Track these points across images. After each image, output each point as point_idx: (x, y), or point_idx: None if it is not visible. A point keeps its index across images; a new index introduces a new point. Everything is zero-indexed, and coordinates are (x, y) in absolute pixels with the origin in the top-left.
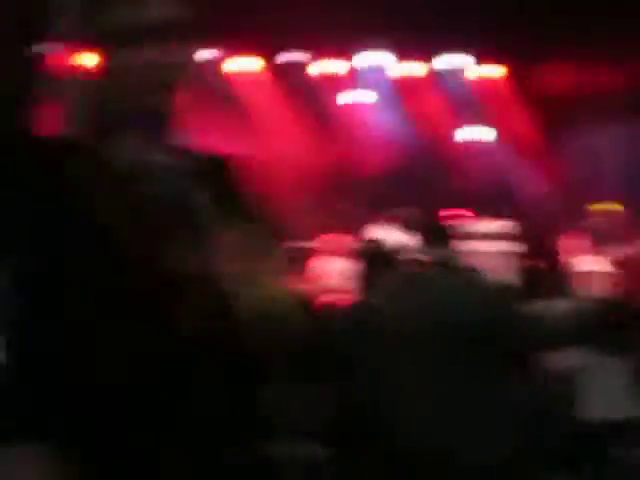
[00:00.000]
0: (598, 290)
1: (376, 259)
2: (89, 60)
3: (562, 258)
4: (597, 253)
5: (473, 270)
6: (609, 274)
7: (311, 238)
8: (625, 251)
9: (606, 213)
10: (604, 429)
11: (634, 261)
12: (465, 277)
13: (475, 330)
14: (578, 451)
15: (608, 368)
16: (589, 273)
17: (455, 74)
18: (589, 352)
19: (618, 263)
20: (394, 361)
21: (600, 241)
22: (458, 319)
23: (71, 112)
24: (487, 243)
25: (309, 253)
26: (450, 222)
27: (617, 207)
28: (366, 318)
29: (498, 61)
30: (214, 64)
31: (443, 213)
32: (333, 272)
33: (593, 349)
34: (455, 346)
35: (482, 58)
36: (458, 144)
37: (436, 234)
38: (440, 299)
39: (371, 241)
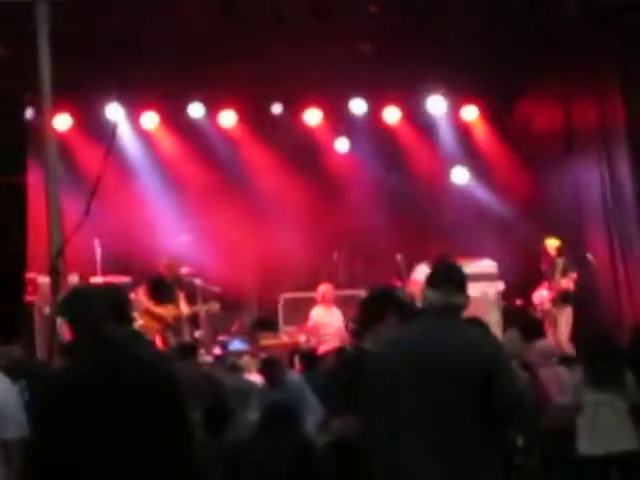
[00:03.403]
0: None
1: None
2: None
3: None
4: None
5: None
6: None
7: (310, 288)
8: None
9: (556, 249)
10: (606, 463)
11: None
12: (465, 325)
13: (471, 377)
14: None
15: (606, 404)
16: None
17: (433, 118)
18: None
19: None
20: (394, 404)
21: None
22: (456, 365)
23: None
24: (470, 284)
25: (309, 303)
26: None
27: (558, 242)
28: (363, 362)
29: (473, 102)
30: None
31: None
32: (331, 321)
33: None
34: (455, 393)
35: (458, 101)
36: (443, 187)
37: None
38: (441, 345)
39: (375, 292)
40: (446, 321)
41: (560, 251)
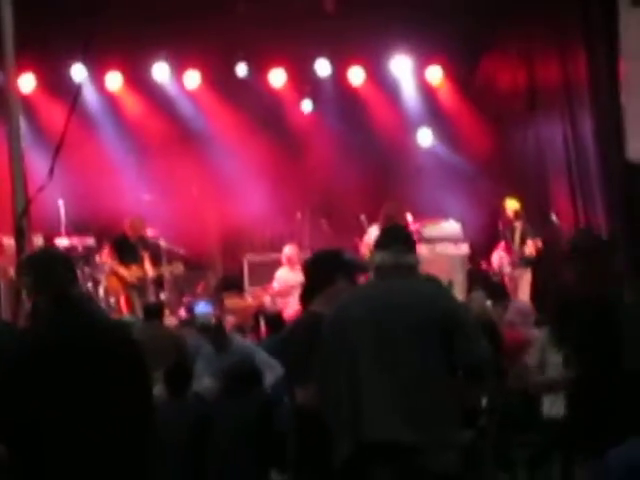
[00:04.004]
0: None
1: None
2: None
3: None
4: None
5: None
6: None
7: (275, 249)
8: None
9: (514, 212)
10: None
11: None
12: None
13: (431, 331)
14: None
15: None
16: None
17: (398, 79)
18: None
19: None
20: (353, 366)
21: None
22: (415, 320)
23: None
24: (435, 245)
25: (274, 264)
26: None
27: (517, 204)
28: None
29: (437, 61)
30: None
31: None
32: (296, 282)
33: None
34: (413, 349)
35: (422, 60)
36: (408, 148)
37: (399, 238)
38: (398, 304)
39: (323, 255)
40: (399, 280)
41: (518, 214)
